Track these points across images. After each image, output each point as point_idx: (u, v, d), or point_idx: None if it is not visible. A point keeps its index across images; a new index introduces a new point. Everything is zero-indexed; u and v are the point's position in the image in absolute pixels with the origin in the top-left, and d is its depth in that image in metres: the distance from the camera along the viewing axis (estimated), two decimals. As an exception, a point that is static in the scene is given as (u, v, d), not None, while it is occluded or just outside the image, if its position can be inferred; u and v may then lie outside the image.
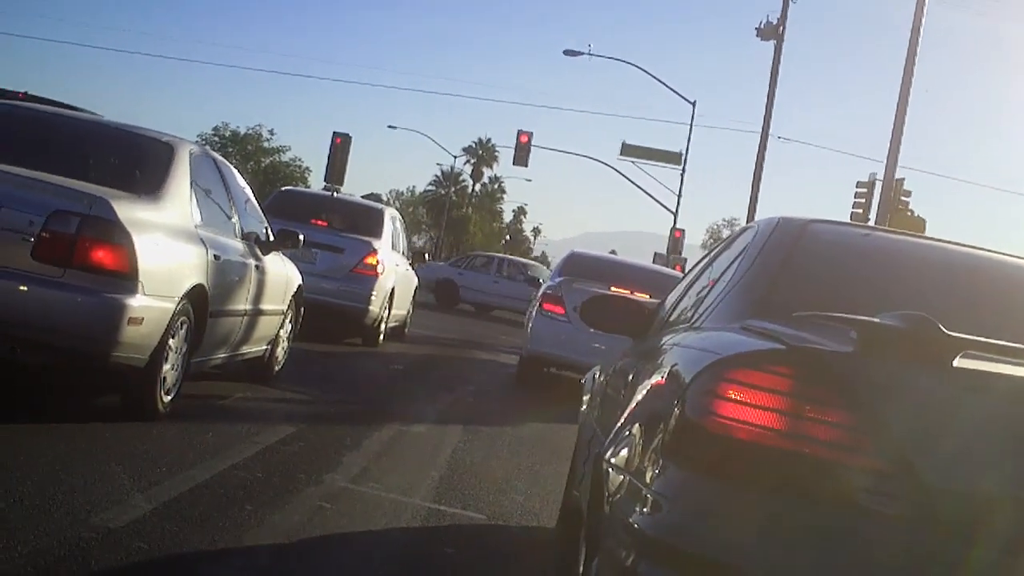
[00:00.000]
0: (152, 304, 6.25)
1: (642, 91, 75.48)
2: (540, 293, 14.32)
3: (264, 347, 9.15)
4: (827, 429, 2.54)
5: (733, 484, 2.58)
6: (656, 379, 3.27)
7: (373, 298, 14.50)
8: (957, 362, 2.57)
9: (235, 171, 8.85)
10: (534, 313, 13.76)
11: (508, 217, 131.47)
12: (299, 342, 10.67)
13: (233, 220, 8.17)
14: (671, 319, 4.44)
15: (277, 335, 9.40)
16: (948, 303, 3.49)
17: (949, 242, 4.31)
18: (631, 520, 2.72)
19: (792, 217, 4.07)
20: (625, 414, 3.45)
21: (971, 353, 2.62)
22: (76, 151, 7.38)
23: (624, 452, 3.14)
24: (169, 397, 6.83)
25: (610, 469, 3.20)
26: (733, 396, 2.60)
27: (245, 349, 8.59)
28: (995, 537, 2.43)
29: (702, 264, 4.87)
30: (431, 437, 8.48)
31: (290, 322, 9.84)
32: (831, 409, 2.55)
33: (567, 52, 42.21)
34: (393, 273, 15.51)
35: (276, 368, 9.66)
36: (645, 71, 41.80)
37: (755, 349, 2.79)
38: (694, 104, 42.29)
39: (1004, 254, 4.14)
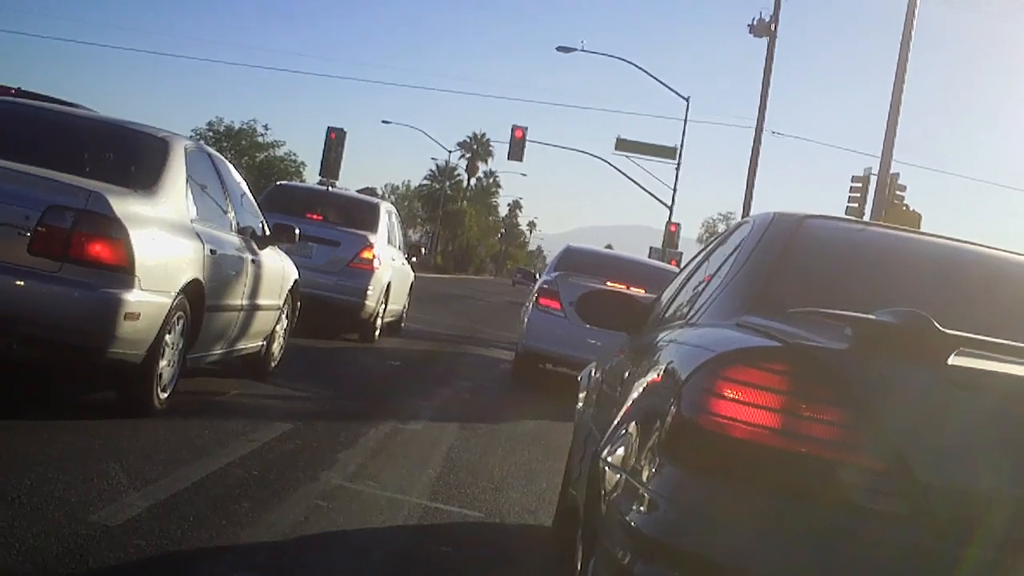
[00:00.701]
0: (148, 299, 6.25)
1: (636, 87, 75.38)
2: (535, 288, 14.29)
3: (260, 343, 9.15)
4: (822, 427, 2.54)
5: (729, 482, 2.57)
6: (652, 376, 3.26)
7: (369, 292, 14.48)
8: (952, 359, 2.57)
9: (230, 166, 8.85)
10: (530, 308, 13.72)
11: (503, 211, 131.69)
12: (296, 337, 10.66)
13: (229, 215, 8.17)
14: (667, 315, 4.44)
15: (273, 330, 9.40)
16: (944, 299, 3.49)
17: (945, 238, 4.30)
18: (628, 519, 2.72)
19: (787, 212, 4.06)
20: (621, 412, 3.45)
21: (966, 350, 2.62)
22: (71, 147, 7.37)
23: (620, 451, 3.14)
24: (165, 393, 6.83)
25: (606, 468, 3.20)
26: (729, 394, 2.60)
27: (241, 345, 8.58)
28: (991, 534, 2.43)
29: (698, 259, 4.87)
30: (427, 434, 8.47)
31: (286, 317, 9.83)
32: (826, 406, 2.55)
33: (560, 48, 42.16)
34: (389, 267, 15.51)
35: (272, 364, 9.66)
36: (638, 67, 41.85)
37: (750, 346, 2.78)
38: (688, 100, 42.35)
39: (1000, 249, 4.14)
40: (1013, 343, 2.72)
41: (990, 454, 2.54)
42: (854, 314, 2.70)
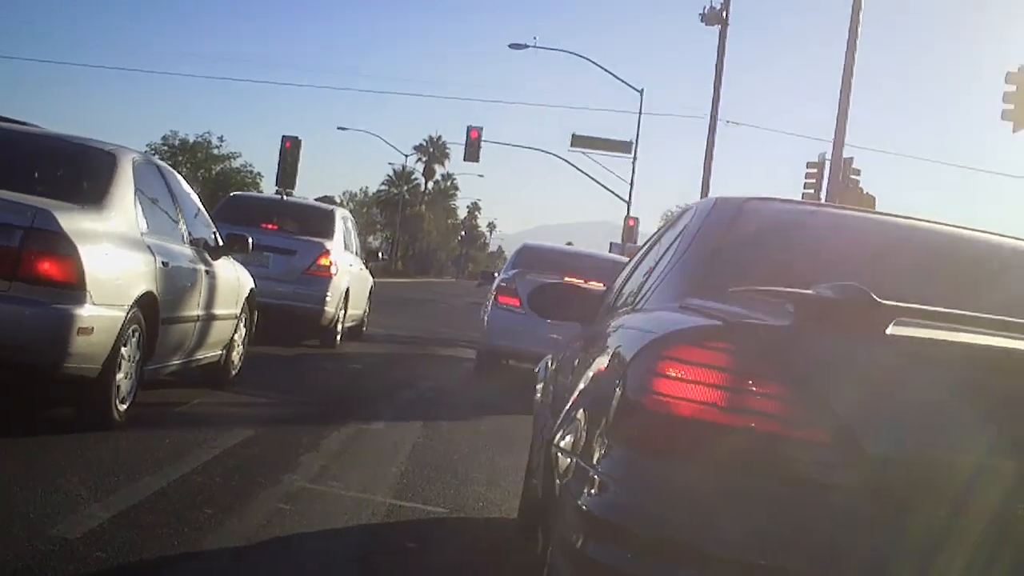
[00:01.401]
0: (101, 313, 6.22)
1: (589, 81, 75.16)
2: (494, 286, 14.35)
3: (219, 352, 9.12)
4: (766, 402, 2.57)
5: (676, 461, 2.60)
6: (598, 362, 3.30)
7: (328, 299, 14.48)
8: (891, 330, 2.61)
9: (180, 177, 8.81)
10: (490, 307, 13.78)
11: (463, 213, 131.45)
12: (257, 346, 10.64)
13: (180, 227, 8.15)
14: (617, 303, 4.48)
15: (232, 340, 9.37)
16: (885, 273, 3.54)
17: (887, 215, 4.37)
18: (579, 502, 2.75)
19: (729, 197, 4.12)
20: (571, 399, 3.48)
21: (905, 320, 2.66)
22: (17, 163, 7.30)
23: (571, 436, 3.17)
24: (124, 406, 6.80)
25: (559, 453, 3.23)
26: (672, 374, 2.63)
27: (200, 355, 8.56)
28: (941, 501, 2.47)
29: (646, 248, 4.92)
30: (390, 434, 8.49)
31: (244, 326, 9.80)
32: (769, 382, 2.58)
33: (512, 45, 42.25)
34: (347, 273, 15.49)
35: (233, 373, 9.63)
36: (591, 61, 41.97)
37: (692, 326, 2.83)
38: (642, 92, 42.52)
39: (939, 223, 4.21)
40: (951, 311, 2.77)
41: (934, 420, 2.57)
42: (793, 290, 2.74)
